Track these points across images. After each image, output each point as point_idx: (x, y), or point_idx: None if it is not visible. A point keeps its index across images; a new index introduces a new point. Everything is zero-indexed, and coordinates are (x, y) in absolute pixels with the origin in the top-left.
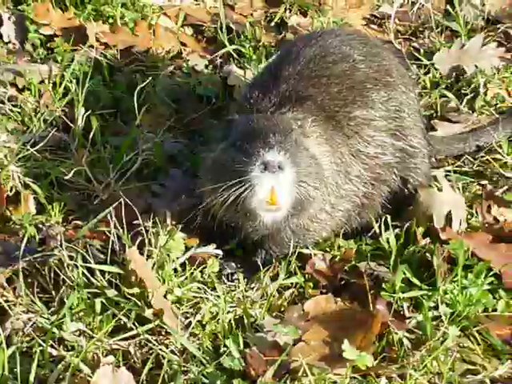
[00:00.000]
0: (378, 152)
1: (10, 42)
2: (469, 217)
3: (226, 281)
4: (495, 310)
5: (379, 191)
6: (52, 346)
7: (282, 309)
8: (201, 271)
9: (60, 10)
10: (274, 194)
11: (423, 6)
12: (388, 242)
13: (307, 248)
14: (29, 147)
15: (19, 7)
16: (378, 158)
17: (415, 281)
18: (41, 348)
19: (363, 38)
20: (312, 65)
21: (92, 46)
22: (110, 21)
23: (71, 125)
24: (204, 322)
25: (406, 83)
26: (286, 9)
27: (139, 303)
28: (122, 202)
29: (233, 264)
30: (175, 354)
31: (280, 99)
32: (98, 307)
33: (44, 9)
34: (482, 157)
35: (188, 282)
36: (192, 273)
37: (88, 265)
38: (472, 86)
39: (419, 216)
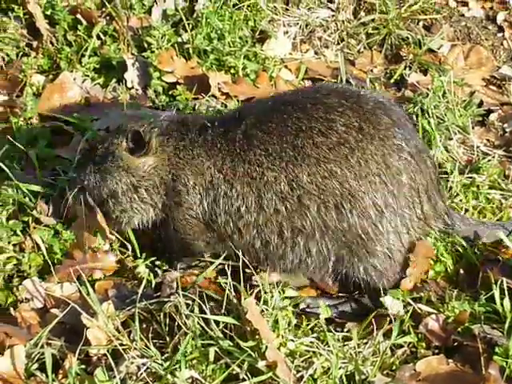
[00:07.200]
0: None
1: (133, 87)
2: None
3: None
4: None
5: None
6: None
7: (394, 367)
8: (314, 325)
9: (183, 58)
10: None
11: None
12: (502, 306)
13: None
14: None
15: (143, 54)
16: None
17: None
18: None
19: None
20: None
21: (214, 96)
22: (232, 71)
23: None
24: (315, 377)
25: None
26: (405, 66)
27: (253, 354)
28: (239, 254)
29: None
30: None
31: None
32: (211, 356)
33: (168, 56)
34: None
35: (301, 335)
36: (307, 325)
37: (205, 316)
38: None
39: None
